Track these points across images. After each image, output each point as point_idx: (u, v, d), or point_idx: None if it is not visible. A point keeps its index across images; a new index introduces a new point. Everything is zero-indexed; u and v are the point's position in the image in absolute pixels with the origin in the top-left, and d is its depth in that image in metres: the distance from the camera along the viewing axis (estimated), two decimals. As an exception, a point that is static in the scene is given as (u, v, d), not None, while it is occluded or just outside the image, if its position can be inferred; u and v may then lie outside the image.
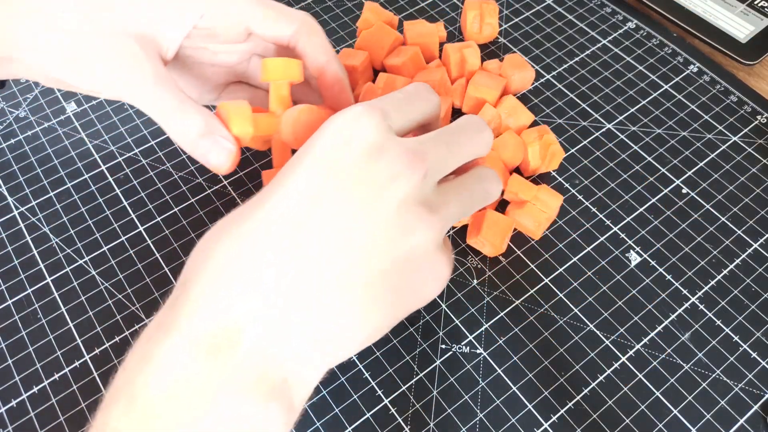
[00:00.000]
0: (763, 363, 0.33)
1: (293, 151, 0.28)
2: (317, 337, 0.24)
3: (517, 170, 0.40)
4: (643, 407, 0.32)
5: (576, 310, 0.35)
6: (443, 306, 0.35)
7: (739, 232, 0.37)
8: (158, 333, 0.23)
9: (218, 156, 0.31)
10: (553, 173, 0.40)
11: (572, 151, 0.41)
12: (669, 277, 0.36)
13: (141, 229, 0.38)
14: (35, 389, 0.33)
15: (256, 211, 0.25)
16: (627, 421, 0.31)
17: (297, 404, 0.24)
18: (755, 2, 0.48)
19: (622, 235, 0.37)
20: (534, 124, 0.42)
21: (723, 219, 0.38)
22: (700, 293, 0.35)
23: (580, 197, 0.39)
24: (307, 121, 0.31)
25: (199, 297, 0.23)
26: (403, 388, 0.32)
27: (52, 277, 0.36)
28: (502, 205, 0.38)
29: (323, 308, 0.24)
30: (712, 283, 0.36)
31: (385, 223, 0.24)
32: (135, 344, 0.24)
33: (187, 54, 0.35)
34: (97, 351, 0.34)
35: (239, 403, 0.22)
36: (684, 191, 0.39)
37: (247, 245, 0.24)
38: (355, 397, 0.32)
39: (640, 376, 0.32)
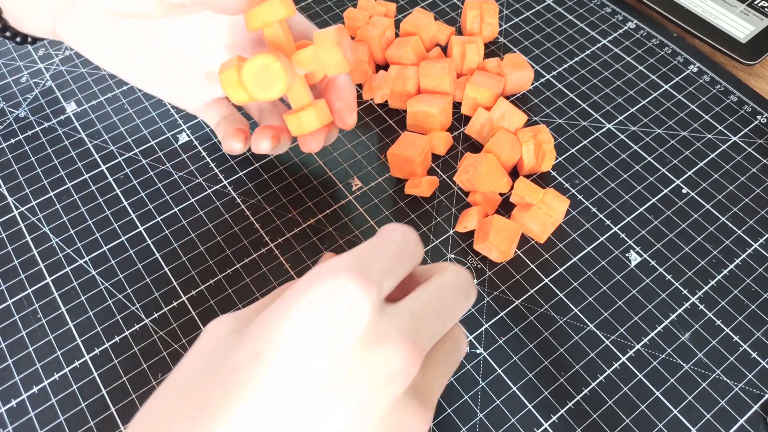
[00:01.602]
0: (763, 363, 0.33)
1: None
2: None
3: (514, 170, 0.40)
4: (643, 407, 0.32)
5: (576, 310, 0.35)
6: (443, 306, 0.35)
7: (739, 232, 0.37)
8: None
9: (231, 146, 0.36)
10: (553, 173, 0.40)
11: (572, 151, 0.41)
12: (669, 277, 0.36)
13: (141, 229, 0.38)
14: (35, 389, 0.33)
15: (224, 415, 0.20)
16: (627, 421, 0.31)
17: None
18: (755, 2, 0.48)
19: (622, 235, 0.37)
20: (534, 123, 0.42)
21: (723, 219, 0.38)
22: (700, 293, 0.35)
23: (580, 197, 0.39)
24: (265, 74, 0.29)
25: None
26: (403, 388, 0.32)
27: (52, 277, 0.36)
28: (508, 208, 0.38)
29: None
30: (712, 283, 0.36)
31: (383, 426, 0.21)
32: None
33: None
34: (97, 351, 0.34)
35: None
36: (684, 191, 0.39)
37: None
38: (355, 397, 0.32)
39: (640, 376, 0.32)
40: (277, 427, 0.20)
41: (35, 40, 0.40)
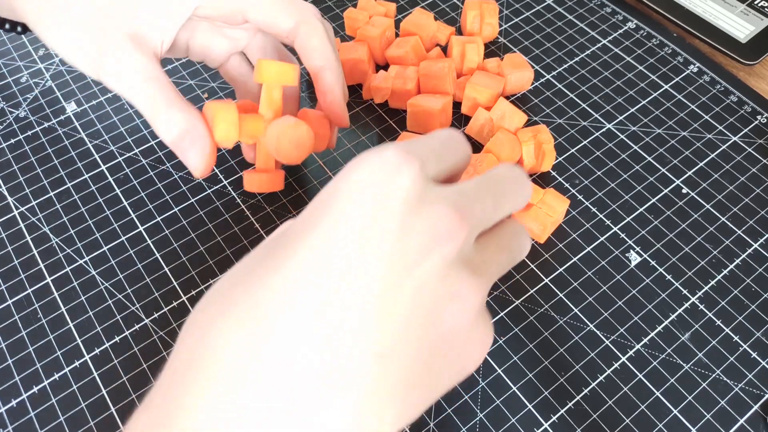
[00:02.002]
0: (763, 363, 0.33)
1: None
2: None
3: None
4: (643, 407, 0.32)
5: (576, 310, 0.35)
6: (443, 306, 0.35)
7: (739, 232, 0.37)
8: None
9: (194, 158, 0.31)
10: (553, 173, 0.40)
11: (572, 151, 0.41)
12: (669, 277, 0.36)
13: (141, 229, 0.38)
14: (35, 389, 0.33)
15: (269, 278, 0.20)
16: (627, 421, 0.31)
17: None
18: (755, 2, 0.48)
19: (622, 235, 0.37)
20: (534, 123, 0.42)
21: (723, 219, 0.38)
22: (700, 293, 0.35)
23: (580, 197, 0.39)
24: (293, 136, 0.32)
25: (195, 406, 0.19)
26: (403, 388, 0.32)
27: (52, 277, 0.36)
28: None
29: (357, 402, 0.20)
30: (712, 283, 0.36)
31: (428, 291, 0.21)
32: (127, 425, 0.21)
33: (189, 34, 0.36)
34: (97, 351, 0.34)
35: None
36: (684, 191, 0.39)
37: (259, 331, 0.20)
38: (355, 397, 0.32)
39: (640, 376, 0.32)
40: (320, 295, 0.20)
41: (24, 28, 0.39)
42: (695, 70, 0.45)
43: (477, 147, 0.41)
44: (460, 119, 0.43)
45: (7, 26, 0.39)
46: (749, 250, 0.37)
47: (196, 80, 0.45)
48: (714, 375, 0.32)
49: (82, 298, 0.35)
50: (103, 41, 0.31)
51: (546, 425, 0.31)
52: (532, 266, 0.36)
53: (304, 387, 0.19)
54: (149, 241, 0.37)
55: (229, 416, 0.19)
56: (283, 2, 0.34)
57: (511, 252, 0.26)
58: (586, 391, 0.32)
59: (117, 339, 0.34)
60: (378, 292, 0.20)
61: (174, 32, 0.33)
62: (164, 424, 0.19)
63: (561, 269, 0.36)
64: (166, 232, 0.38)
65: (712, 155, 0.41)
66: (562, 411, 0.32)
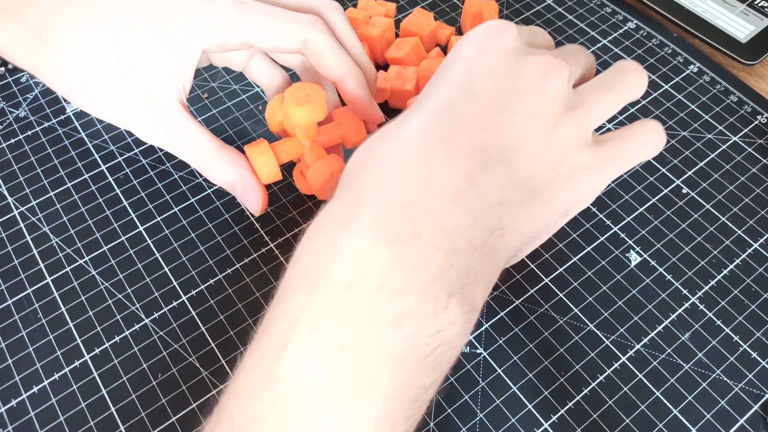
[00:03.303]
0: (763, 363, 0.33)
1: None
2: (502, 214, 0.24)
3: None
4: (643, 407, 0.32)
5: (576, 310, 0.35)
6: (443, 306, 0.35)
7: (739, 232, 0.37)
8: (336, 225, 0.23)
9: (250, 203, 0.35)
10: (553, 173, 0.40)
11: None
12: (669, 277, 0.36)
13: (141, 229, 0.38)
14: (35, 389, 0.33)
15: (415, 114, 0.25)
16: (627, 421, 0.31)
17: (478, 303, 0.24)
18: (755, 2, 0.48)
19: (622, 235, 0.37)
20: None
21: (723, 219, 0.38)
22: (700, 293, 0.35)
23: (580, 197, 0.39)
24: (332, 173, 0.34)
25: (374, 196, 0.23)
26: (403, 388, 0.32)
27: (52, 277, 0.36)
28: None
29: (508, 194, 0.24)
30: (712, 283, 0.36)
31: (541, 115, 0.25)
32: (304, 238, 0.24)
33: (206, 55, 0.37)
34: (97, 351, 0.34)
35: (419, 298, 0.22)
36: (684, 191, 0.39)
37: (412, 139, 0.24)
38: (355, 397, 0.32)
39: (640, 376, 0.32)
40: (453, 114, 0.25)
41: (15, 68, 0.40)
42: (695, 70, 0.45)
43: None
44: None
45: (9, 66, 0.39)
46: (749, 250, 0.37)
47: (197, 80, 0.45)
48: (714, 375, 0.32)
49: (82, 298, 0.35)
50: (137, 116, 0.34)
51: (546, 425, 0.31)
52: (532, 266, 0.36)
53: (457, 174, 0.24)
54: (149, 241, 0.37)
55: (400, 202, 0.23)
56: (285, 23, 0.33)
57: (616, 93, 0.29)
58: (586, 391, 0.32)
59: (117, 339, 0.34)
60: (502, 109, 0.25)
61: (190, 75, 0.33)
62: (348, 215, 0.23)
63: (561, 269, 0.36)
64: (166, 232, 0.38)
65: (712, 155, 0.41)
66: (562, 411, 0.32)
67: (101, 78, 0.33)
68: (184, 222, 0.38)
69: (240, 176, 0.34)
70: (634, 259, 0.36)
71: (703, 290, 0.35)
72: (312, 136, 0.35)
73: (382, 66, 0.46)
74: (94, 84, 0.33)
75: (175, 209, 0.39)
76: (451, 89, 0.26)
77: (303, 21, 0.33)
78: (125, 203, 0.39)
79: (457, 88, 0.26)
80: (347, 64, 0.34)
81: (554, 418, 0.31)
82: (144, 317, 0.35)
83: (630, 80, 0.29)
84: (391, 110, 0.43)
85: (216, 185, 0.40)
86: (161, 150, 0.41)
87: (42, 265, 0.37)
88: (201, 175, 0.40)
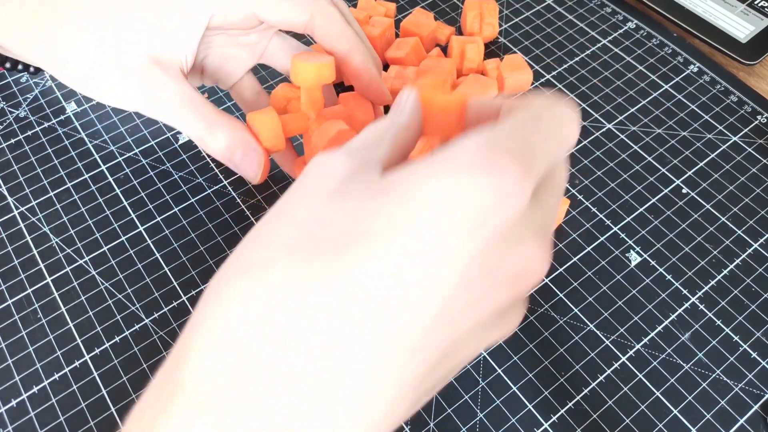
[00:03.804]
0: (763, 363, 0.33)
1: None
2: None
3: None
4: (643, 407, 0.32)
5: (576, 310, 0.35)
6: (443, 306, 0.35)
7: (739, 232, 0.37)
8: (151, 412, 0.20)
9: (249, 170, 0.32)
10: (553, 173, 0.40)
11: (572, 151, 0.41)
12: (669, 277, 0.36)
13: (141, 229, 0.38)
14: (35, 389, 0.33)
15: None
16: (627, 421, 0.31)
17: None
18: (755, 2, 0.48)
19: (622, 235, 0.37)
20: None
21: (723, 219, 0.38)
22: (700, 293, 0.35)
23: (580, 197, 0.39)
24: (339, 132, 0.32)
25: (193, 388, 0.18)
26: (403, 388, 0.32)
27: (52, 277, 0.36)
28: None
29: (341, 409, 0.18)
30: (712, 283, 0.36)
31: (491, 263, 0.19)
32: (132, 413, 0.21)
33: (205, 51, 0.36)
34: (97, 351, 0.34)
35: None
36: (684, 191, 0.39)
37: (255, 308, 0.18)
38: (355, 397, 0.32)
39: (640, 376, 0.32)
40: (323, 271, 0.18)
41: (38, 69, 0.39)
42: (695, 70, 0.45)
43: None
44: (460, 119, 0.43)
45: (19, 67, 0.38)
46: (749, 250, 0.37)
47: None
48: (714, 375, 0.32)
49: (82, 298, 0.35)
50: (126, 71, 0.32)
51: (546, 425, 0.31)
52: (532, 266, 0.36)
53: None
54: (149, 241, 0.37)
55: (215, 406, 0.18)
56: None
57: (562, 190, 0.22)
58: (586, 391, 0.32)
59: (117, 339, 0.34)
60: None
61: (195, 46, 0.33)
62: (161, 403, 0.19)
63: (561, 269, 0.36)
64: (166, 232, 0.38)
65: (712, 155, 0.41)
66: (562, 411, 0.32)
67: (100, 58, 0.32)
68: (184, 222, 0.38)
69: (240, 139, 0.32)
70: (634, 259, 0.36)
71: (703, 290, 0.35)
72: (318, 105, 0.33)
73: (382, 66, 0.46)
74: (87, 61, 0.32)
75: (175, 209, 0.39)
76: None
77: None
78: (125, 203, 0.39)
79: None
80: (354, 38, 0.34)
81: (554, 418, 0.31)
82: (144, 317, 0.35)
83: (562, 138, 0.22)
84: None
85: (215, 185, 0.40)
86: (161, 150, 0.41)
87: (42, 265, 0.37)
88: (201, 176, 0.40)
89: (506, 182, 0.18)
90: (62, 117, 0.43)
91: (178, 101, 0.31)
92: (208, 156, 0.41)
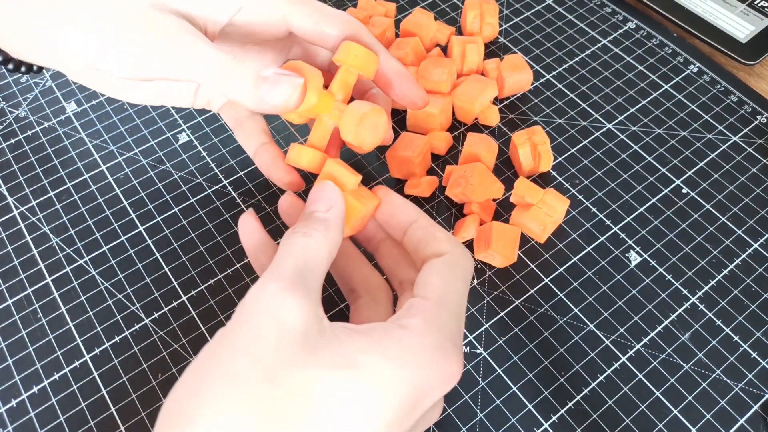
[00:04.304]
0: (763, 363, 0.33)
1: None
2: None
3: (515, 173, 0.40)
4: (643, 407, 0.32)
5: (576, 310, 0.35)
6: (443, 306, 0.35)
7: (739, 232, 0.37)
8: None
9: (283, 92, 0.28)
10: (554, 173, 0.40)
11: (572, 151, 0.41)
12: (669, 277, 0.36)
13: (141, 229, 0.38)
14: (35, 389, 0.33)
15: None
16: (627, 421, 0.31)
17: None
18: (755, 2, 0.48)
19: (622, 235, 0.37)
20: (533, 123, 0.42)
21: (723, 219, 0.38)
22: (700, 293, 0.35)
23: (580, 197, 0.39)
24: (373, 122, 0.30)
25: None
26: (403, 388, 0.32)
27: (52, 277, 0.36)
28: (507, 208, 0.38)
29: None
30: (713, 283, 0.36)
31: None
32: None
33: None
34: (97, 351, 0.34)
35: None
36: (684, 191, 0.39)
37: None
38: (355, 397, 0.32)
39: (640, 376, 0.32)
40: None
41: (40, 68, 0.38)
42: (695, 70, 0.45)
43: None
44: (459, 120, 0.43)
45: (23, 69, 0.37)
46: (749, 250, 0.37)
47: (196, 80, 0.45)
48: (714, 375, 0.32)
49: (82, 298, 0.35)
50: (141, 22, 0.28)
51: (546, 425, 0.31)
52: (532, 266, 0.36)
53: None
54: (149, 241, 0.37)
55: None
56: (324, 9, 0.31)
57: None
58: (586, 391, 0.32)
59: (117, 339, 0.34)
60: None
61: (220, 25, 0.30)
62: None
63: (561, 269, 0.36)
64: (166, 232, 0.38)
65: (712, 155, 0.41)
66: (562, 411, 0.32)
67: None
68: (184, 222, 0.38)
69: (258, 70, 0.28)
70: (634, 259, 0.36)
71: (703, 290, 0.35)
72: (348, 90, 0.32)
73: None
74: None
75: (175, 209, 0.39)
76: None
77: (345, 16, 0.32)
78: (125, 203, 0.39)
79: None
80: (384, 49, 0.33)
81: (554, 418, 0.31)
82: (144, 317, 0.35)
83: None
84: (392, 110, 0.43)
85: (215, 185, 0.40)
86: (161, 150, 0.41)
87: (42, 265, 0.37)
88: (201, 176, 0.40)
89: (453, 370, 0.24)
90: (62, 117, 0.43)
91: (194, 45, 0.28)
92: (208, 156, 0.41)
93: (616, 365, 0.33)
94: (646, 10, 0.49)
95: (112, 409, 0.32)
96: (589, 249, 0.37)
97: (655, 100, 0.44)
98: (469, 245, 0.37)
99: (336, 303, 0.35)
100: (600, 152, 0.41)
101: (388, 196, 0.30)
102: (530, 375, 0.33)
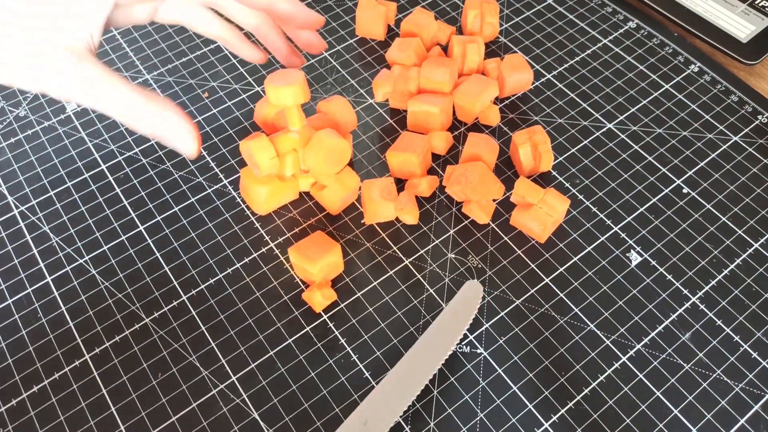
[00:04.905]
0: (764, 363, 0.33)
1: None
2: None
3: (515, 173, 0.40)
4: (643, 407, 0.32)
5: (576, 310, 0.35)
6: (444, 305, 0.35)
7: (739, 231, 0.37)
8: None
9: (179, 139, 0.32)
10: (554, 173, 0.40)
11: (572, 150, 0.41)
12: (669, 276, 0.36)
13: (141, 228, 0.38)
14: (35, 389, 0.32)
15: None
16: (627, 421, 0.31)
17: None
18: (756, 2, 0.48)
19: (623, 235, 0.37)
20: (534, 123, 0.42)
21: (723, 219, 0.38)
22: (700, 293, 0.35)
23: (580, 197, 0.39)
24: (334, 150, 0.35)
25: None
26: (404, 388, 0.32)
27: (52, 277, 0.36)
28: (508, 208, 0.38)
29: None
30: (713, 283, 0.36)
31: None
32: None
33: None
34: (97, 350, 0.34)
35: None
36: (684, 191, 0.39)
37: None
38: (355, 396, 0.32)
39: (641, 376, 0.32)
40: None
41: None
42: (696, 69, 0.45)
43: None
44: (459, 120, 0.43)
45: None
46: (750, 250, 0.37)
47: (196, 79, 0.45)
48: (714, 375, 0.32)
49: (82, 297, 0.35)
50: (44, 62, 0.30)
51: (546, 425, 0.31)
52: (533, 266, 0.36)
53: None
54: (149, 241, 0.37)
55: None
56: None
57: None
58: (586, 391, 0.32)
59: (117, 339, 0.34)
60: None
61: (101, 23, 0.31)
62: None
63: (561, 269, 0.36)
64: (166, 231, 0.38)
65: (713, 155, 0.41)
66: (563, 411, 0.32)
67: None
68: (184, 222, 0.38)
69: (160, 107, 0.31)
70: (635, 259, 0.36)
71: (704, 290, 0.35)
72: (302, 118, 0.36)
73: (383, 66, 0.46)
74: None
75: (175, 209, 0.39)
76: None
77: None
78: (125, 203, 0.39)
79: None
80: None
81: (554, 418, 0.31)
82: (144, 317, 0.35)
83: None
84: (391, 110, 0.43)
85: (215, 185, 0.40)
86: (161, 149, 0.41)
87: (42, 265, 0.37)
88: (201, 175, 0.40)
89: None
90: (62, 116, 0.43)
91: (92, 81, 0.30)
92: (208, 156, 0.41)
93: (616, 365, 0.33)
94: (646, 10, 0.49)
95: (112, 409, 0.32)
96: (589, 249, 0.37)
97: (655, 100, 0.43)
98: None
99: (337, 303, 0.35)
100: (600, 152, 0.41)
101: None
102: (530, 375, 0.33)
